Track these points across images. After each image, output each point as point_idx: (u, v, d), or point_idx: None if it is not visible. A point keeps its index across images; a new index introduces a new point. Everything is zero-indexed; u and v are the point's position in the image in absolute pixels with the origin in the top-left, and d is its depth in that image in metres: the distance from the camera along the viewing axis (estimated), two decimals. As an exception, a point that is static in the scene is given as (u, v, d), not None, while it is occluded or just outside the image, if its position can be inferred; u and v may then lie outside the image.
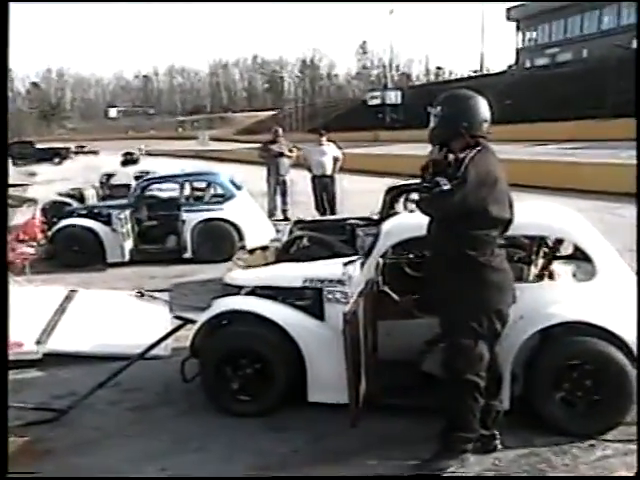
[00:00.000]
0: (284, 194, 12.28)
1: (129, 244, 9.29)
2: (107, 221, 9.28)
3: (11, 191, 14.32)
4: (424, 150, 3.70)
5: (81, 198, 12.33)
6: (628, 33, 37.89)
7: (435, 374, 3.72)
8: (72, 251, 9.22)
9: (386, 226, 4.37)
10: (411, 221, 4.19)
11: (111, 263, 9.12)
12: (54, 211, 10.98)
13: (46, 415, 4.25)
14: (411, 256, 4.70)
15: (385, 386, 3.86)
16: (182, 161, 28.66)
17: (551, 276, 4.16)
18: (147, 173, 11.99)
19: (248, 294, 4.48)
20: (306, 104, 73.47)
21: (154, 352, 4.70)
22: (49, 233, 9.50)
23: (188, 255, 9.16)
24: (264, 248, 6.60)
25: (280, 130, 12.75)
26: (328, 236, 6.91)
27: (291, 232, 7.36)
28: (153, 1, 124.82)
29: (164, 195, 10.46)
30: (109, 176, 14.15)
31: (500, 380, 3.53)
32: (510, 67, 52.23)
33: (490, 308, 3.30)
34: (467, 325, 3.26)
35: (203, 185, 10.45)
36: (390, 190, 7.23)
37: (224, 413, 4.15)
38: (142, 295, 6.84)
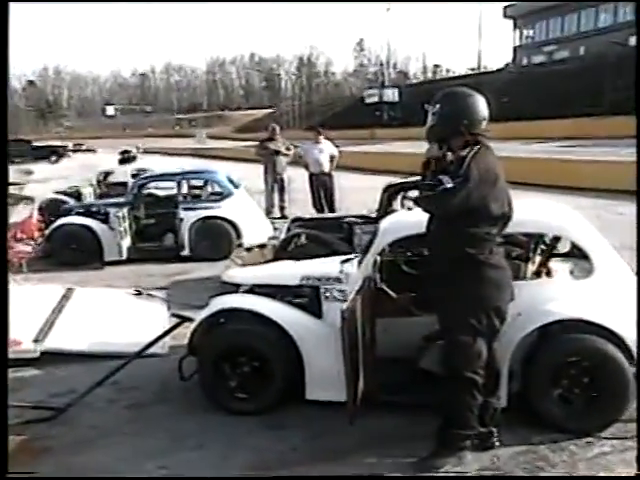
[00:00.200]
0: (282, 192, 12.25)
1: (127, 242, 9.26)
2: (105, 219, 9.25)
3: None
4: (421, 148, 3.69)
5: (78, 196, 12.27)
6: (625, 30, 37.96)
7: (433, 371, 3.74)
8: (69, 249, 9.18)
9: (384, 224, 4.37)
10: (408, 219, 4.21)
11: (109, 261, 9.09)
12: (51, 209, 10.98)
13: (44, 413, 4.25)
14: (409, 254, 4.69)
15: (383, 383, 3.86)
16: (179, 159, 28.64)
17: (549, 273, 4.17)
18: (144, 171, 11.95)
19: (246, 292, 4.49)
20: (303, 102, 73.49)
21: (152, 350, 4.69)
22: (46, 231, 9.49)
23: (186, 253, 9.14)
24: (262, 246, 6.58)
25: (277, 128, 12.71)
26: (326, 234, 6.90)
27: (289, 230, 7.35)
28: (150, 0, 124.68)
29: (162, 193, 10.46)
30: (106, 174, 14.10)
31: (498, 377, 3.53)
32: (507, 65, 52.14)
33: (489, 305, 3.30)
34: (466, 322, 3.26)
35: (201, 183, 10.46)
36: (388, 188, 7.20)
37: (222, 411, 4.15)
38: (140, 293, 6.84)
